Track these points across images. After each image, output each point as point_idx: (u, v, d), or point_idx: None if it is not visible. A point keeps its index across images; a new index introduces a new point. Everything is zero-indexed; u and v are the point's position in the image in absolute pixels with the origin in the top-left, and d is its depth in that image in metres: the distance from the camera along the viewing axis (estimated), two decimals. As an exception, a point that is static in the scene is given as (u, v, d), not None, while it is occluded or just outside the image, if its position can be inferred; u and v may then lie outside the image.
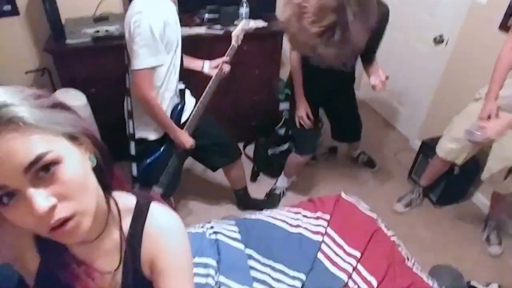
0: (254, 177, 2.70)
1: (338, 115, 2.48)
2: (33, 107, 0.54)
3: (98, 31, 2.20)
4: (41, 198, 0.52)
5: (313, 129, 2.20)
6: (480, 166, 2.28)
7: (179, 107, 1.86)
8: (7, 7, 2.27)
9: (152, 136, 1.84)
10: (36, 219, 0.53)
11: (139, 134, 1.83)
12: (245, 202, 2.42)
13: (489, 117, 1.78)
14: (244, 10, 2.41)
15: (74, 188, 0.56)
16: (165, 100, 1.78)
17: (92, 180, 0.63)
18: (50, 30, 2.22)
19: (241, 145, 2.93)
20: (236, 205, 2.45)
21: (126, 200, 0.76)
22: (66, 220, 0.55)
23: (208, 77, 1.91)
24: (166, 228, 0.75)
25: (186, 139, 1.84)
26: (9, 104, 0.52)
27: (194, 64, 1.99)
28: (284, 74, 3.06)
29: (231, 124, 2.82)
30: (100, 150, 0.67)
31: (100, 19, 2.28)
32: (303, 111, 2.11)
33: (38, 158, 0.52)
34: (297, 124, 2.17)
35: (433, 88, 2.77)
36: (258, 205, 2.38)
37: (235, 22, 2.45)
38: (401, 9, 2.82)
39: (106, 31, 2.21)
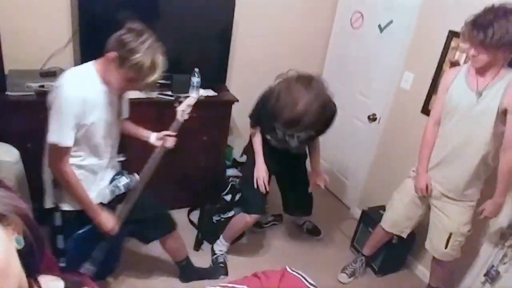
0: (197, 246, 2.57)
1: (290, 188, 2.56)
2: None
3: (43, 86, 2.12)
4: None
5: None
6: (415, 235, 2.42)
7: (116, 178, 1.80)
8: None
9: (66, 206, 1.69)
10: None
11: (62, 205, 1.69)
12: (188, 273, 2.26)
13: (427, 187, 1.98)
14: (195, 79, 2.51)
15: None
16: (92, 176, 1.69)
17: (15, 265, 0.56)
18: (-10, 80, 2.11)
19: (185, 211, 2.84)
20: (178, 277, 2.27)
21: (52, 285, 0.67)
22: None
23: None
24: None
25: (106, 223, 1.69)
26: None
27: (141, 133, 1.94)
28: (231, 141, 3.14)
29: (176, 189, 2.76)
30: (31, 230, 0.60)
31: (47, 74, 2.22)
32: (263, 172, 2.21)
33: None
34: (254, 184, 2.21)
35: (370, 160, 3.00)
36: (202, 275, 2.25)
37: (188, 91, 2.53)
38: (339, 89, 3.14)
39: (52, 86, 2.14)
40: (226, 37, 2.73)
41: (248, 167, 2.33)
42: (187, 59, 2.66)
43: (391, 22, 2.75)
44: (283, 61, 3.19)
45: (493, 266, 2.12)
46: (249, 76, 3.09)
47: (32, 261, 0.60)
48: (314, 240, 2.84)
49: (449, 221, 1.98)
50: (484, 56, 1.65)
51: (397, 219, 2.22)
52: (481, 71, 1.76)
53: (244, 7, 2.77)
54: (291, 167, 2.44)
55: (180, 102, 1.95)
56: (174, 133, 1.90)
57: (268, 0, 2.95)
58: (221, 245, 2.47)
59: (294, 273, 1.71)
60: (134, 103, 2.17)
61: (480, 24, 1.58)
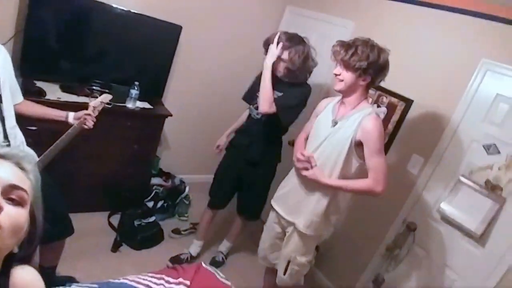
0: (115, 248, 2.67)
1: (247, 188, 2.65)
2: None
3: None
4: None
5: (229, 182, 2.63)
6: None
7: None
8: None
9: None
10: None
11: None
12: (49, 280, 2.14)
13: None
14: (134, 91, 2.68)
15: (17, 225, 0.71)
16: None
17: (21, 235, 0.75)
18: None
19: (106, 214, 2.93)
20: None
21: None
22: None
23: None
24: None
25: None
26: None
27: (57, 113, 1.88)
28: (159, 152, 3.33)
29: (99, 192, 2.85)
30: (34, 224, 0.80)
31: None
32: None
33: (17, 187, 0.72)
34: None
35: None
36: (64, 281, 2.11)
37: (126, 101, 2.71)
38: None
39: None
40: (168, 57, 2.98)
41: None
42: (129, 72, 2.84)
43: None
44: (218, 87, 3.55)
45: (379, 274, 2.47)
46: (185, 96, 3.36)
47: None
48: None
49: (289, 249, 2.03)
50: (344, 76, 1.73)
51: (264, 247, 2.24)
52: (344, 100, 1.85)
53: (190, 32, 3.04)
54: (255, 166, 2.54)
55: (95, 98, 1.94)
56: (94, 114, 1.84)
57: (212, 30, 3.27)
58: (193, 246, 2.84)
59: (208, 268, 1.98)
60: (71, 106, 2.30)
61: (345, 44, 1.73)
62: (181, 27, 2.90)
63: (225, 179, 2.67)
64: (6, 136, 1.66)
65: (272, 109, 2.23)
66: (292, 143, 2.51)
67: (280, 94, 2.32)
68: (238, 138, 2.64)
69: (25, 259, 0.82)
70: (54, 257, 2.07)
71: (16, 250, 0.75)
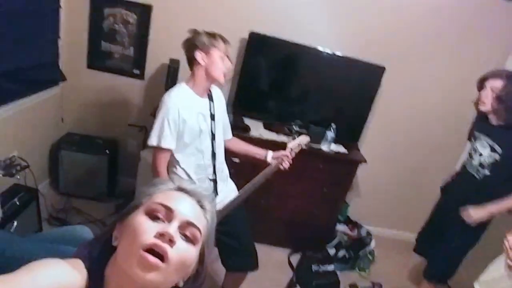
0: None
1: (440, 242, 2.25)
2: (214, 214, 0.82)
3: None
4: (175, 230, 0.71)
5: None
6: None
7: None
8: (137, 71, 2.84)
9: None
10: (155, 230, 0.69)
11: None
12: None
13: None
14: (330, 134, 2.64)
15: (184, 262, 0.71)
16: None
17: (187, 271, 0.76)
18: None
19: (287, 251, 2.97)
20: None
21: None
22: (159, 255, 0.67)
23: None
24: None
25: None
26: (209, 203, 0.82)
27: (258, 151, 1.98)
28: (349, 198, 3.16)
29: (284, 228, 2.91)
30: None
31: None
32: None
33: (193, 225, 0.74)
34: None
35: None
36: None
37: (321, 143, 2.69)
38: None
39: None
40: (368, 101, 2.84)
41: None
42: (328, 114, 2.84)
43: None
44: (422, 136, 3.14)
45: None
46: (383, 142, 3.12)
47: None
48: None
49: None
50: None
51: None
52: None
53: (394, 73, 2.81)
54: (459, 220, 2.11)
55: (293, 138, 1.99)
56: (291, 156, 1.90)
57: (417, 72, 2.93)
58: None
59: None
60: (270, 143, 2.46)
61: None
62: (384, 68, 2.71)
63: (429, 223, 2.43)
64: (214, 170, 1.88)
65: None
66: None
67: (499, 150, 1.95)
68: (448, 188, 2.33)
69: None
70: (234, 284, 2.17)
71: (181, 284, 0.77)
